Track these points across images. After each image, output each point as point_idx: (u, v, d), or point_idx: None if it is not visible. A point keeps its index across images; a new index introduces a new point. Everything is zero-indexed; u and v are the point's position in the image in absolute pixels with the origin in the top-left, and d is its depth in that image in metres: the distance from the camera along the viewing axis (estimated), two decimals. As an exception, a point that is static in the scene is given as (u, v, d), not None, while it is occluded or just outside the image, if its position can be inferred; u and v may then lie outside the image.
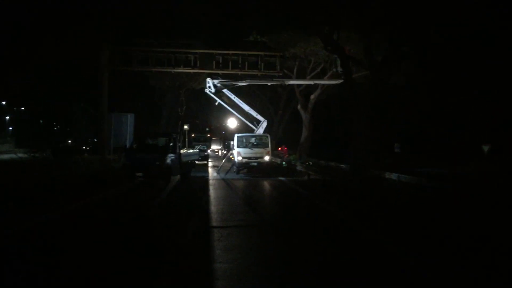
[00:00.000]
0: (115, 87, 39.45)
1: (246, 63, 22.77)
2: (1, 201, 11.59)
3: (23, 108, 45.05)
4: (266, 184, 19.04)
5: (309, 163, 23.64)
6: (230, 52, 22.94)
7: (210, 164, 33.14)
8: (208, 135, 54.23)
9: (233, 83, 24.91)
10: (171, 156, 18.38)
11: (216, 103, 25.31)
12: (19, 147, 26.50)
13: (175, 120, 40.38)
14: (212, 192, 15.60)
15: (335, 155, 33.32)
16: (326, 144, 34.69)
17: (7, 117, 66.57)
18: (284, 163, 20.99)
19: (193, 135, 48.95)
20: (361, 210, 11.77)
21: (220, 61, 22.79)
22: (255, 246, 7.75)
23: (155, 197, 13.89)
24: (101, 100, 22.46)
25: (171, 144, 18.88)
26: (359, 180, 16.99)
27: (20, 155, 25.06)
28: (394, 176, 20.00)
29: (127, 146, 19.46)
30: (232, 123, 50.46)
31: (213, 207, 11.88)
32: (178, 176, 19.46)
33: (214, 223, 9.61)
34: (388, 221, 10.05)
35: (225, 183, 19.03)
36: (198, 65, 22.68)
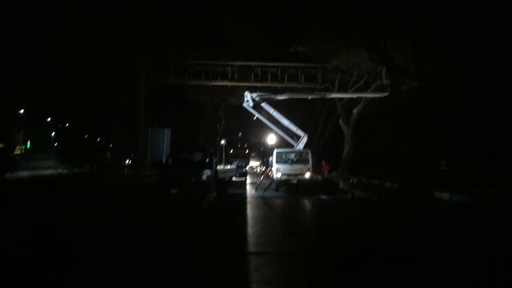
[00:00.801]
0: (153, 102, 39.59)
1: (286, 75, 21.76)
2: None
3: (67, 125, 45.82)
4: (307, 203, 17.81)
5: (352, 181, 22.19)
6: (269, 64, 22.00)
7: (248, 181, 32.23)
8: (247, 151, 53.52)
9: (272, 96, 23.96)
10: (207, 172, 17.57)
11: (254, 118, 24.40)
12: (63, 163, 26.68)
13: (213, 136, 39.83)
14: (249, 211, 14.54)
15: (376, 172, 31.77)
16: (367, 161, 33.00)
17: (53, 134, 68.31)
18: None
19: (231, 151, 48.41)
20: (418, 235, 10.36)
21: (259, 74, 21.91)
22: (297, 279, 6.60)
23: (187, 216, 12.98)
24: (138, 114, 22.01)
25: (207, 159, 18.07)
26: (409, 200, 15.48)
27: (59, 170, 25.11)
28: (445, 195, 18.48)
29: (163, 162, 18.81)
30: (271, 139, 49.71)
31: (250, 229, 10.80)
32: (214, 193, 18.58)
33: (250, 248, 8.52)
34: (457, 251, 8.62)
35: (263, 201, 17.95)
36: (235, 77, 21.89)
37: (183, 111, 44.83)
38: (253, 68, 22.00)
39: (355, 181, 22.00)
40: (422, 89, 17.31)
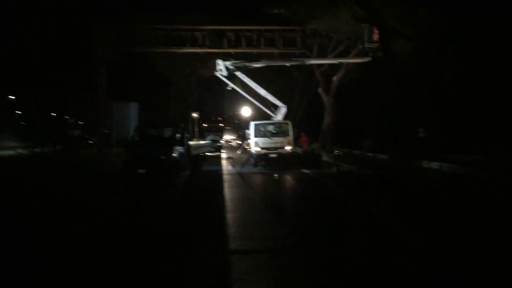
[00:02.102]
0: (120, 76, 37.04)
1: (262, 40, 19.76)
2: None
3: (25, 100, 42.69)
4: (290, 179, 16.28)
5: (338, 153, 20.75)
6: (243, 27, 19.87)
7: (223, 156, 30.54)
8: (221, 124, 51.62)
9: (247, 64, 22.03)
10: (178, 148, 15.84)
11: (228, 88, 22.49)
12: (23, 142, 24.42)
13: (184, 110, 37.69)
14: (227, 191, 12.88)
15: (359, 144, 30.44)
16: (350, 133, 31.63)
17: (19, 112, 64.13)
18: (275, 175, 17.58)
19: (204, 125, 46.42)
20: (425, 215, 8.97)
21: (232, 39, 19.83)
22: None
23: (152, 202, 11.22)
24: (98, 87, 19.77)
25: (178, 135, 16.23)
26: (406, 172, 14.10)
27: (20, 151, 22.88)
28: (435, 165, 17.39)
29: (128, 139, 16.91)
30: (246, 111, 47.88)
31: (230, 216, 9.15)
32: (188, 172, 16.87)
33: (233, 245, 6.86)
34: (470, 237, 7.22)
35: (242, 178, 16.34)
36: (206, 44, 19.75)
37: (153, 85, 42.50)
38: (226, 33, 19.88)
39: (341, 153, 20.56)
40: (414, 53, 15.64)
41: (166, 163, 15.26)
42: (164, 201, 10.82)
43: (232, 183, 14.86)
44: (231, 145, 47.99)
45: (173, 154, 15.57)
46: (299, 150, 24.17)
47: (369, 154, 23.61)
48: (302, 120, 37.62)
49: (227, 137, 53.18)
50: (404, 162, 15.35)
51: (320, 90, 28.54)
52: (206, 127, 45.09)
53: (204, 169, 19.45)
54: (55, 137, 26.80)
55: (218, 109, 63.56)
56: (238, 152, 24.70)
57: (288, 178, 16.48)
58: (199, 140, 21.69)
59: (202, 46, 19.84)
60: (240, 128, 46.73)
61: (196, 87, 43.47)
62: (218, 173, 18.42)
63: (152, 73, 36.13)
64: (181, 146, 16.07)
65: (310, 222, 8.66)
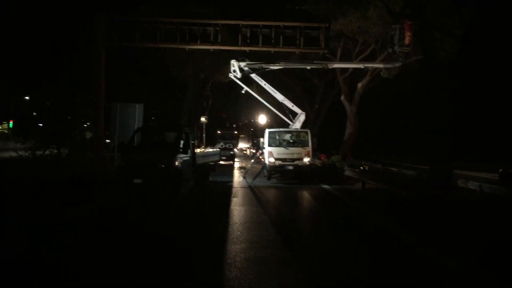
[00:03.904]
0: (125, 76, 35.43)
1: (281, 37, 17.56)
2: None
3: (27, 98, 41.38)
4: (308, 197, 14.07)
5: (364, 167, 18.43)
6: (261, 23, 17.72)
7: (236, 165, 28.49)
8: (235, 132, 49.60)
9: (264, 66, 19.97)
10: (181, 156, 13.74)
11: (243, 91, 20.42)
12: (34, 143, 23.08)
13: (198, 115, 35.79)
14: (233, 211, 10.73)
15: (382, 157, 28.08)
16: (374, 143, 29.34)
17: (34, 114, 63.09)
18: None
19: (218, 132, 44.43)
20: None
21: (248, 35, 17.69)
22: None
23: (139, 226, 9.14)
24: (97, 86, 17.82)
25: (181, 141, 14.16)
26: (445, 195, 11.78)
27: (21, 153, 21.29)
28: (472, 185, 15.06)
29: (125, 143, 14.92)
30: (262, 119, 45.81)
31: (231, 249, 6.99)
32: (192, 183, 14.83)
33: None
34: None
35: (253, 194, 14.18)
36: (219, 40, 17.69)
37: (167, 88, 40.91)
38: (241, 29, 17.74)
39: (367, 168, 18.23)
40: (459, 56, 13.25)
41: (166, 173, 13.18)
42: (147, 230, 8.62)
43: (241, 200, 12.72)
44: (245, 153, 45.98)
45: (174, 163, 13.49)
46: (317, 162, 21.94)
47: (393, 169, 21.32)
48: (321, 130, 35.36)
49: (242, 145, 51.19)
50: (442, 182, 13.01)
51: (342, 98, 26.38)
52: (220, 134, 43.00)
53: (212, 180, 17.39)
54: (61, 139, 25.13)
55: (233, 116, 61.77)
56: (251, 162, 22.53)
57: (306, 196, 14.25)
58: (206, 148, 19.55)
59: (214, 43, 17.78)
60: (255, 136, 44.65)
61: (209, 92, 41.72)
62: (227, 186, 16.35)
63: (165, 75, 34.41)
64: (184, 153, 14.00)
65: (334, 264, 6.43)
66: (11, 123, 49.30)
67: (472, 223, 9.36)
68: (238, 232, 8.18)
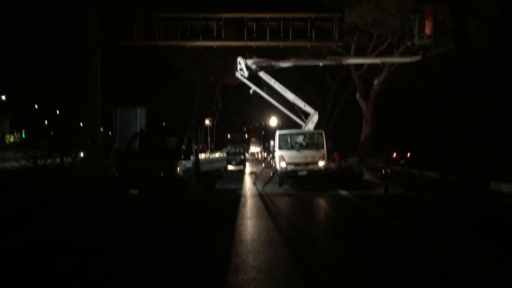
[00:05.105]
0: (140, 83, 34.46)
1: (290, 30, 16.10)
2: None
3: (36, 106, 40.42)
4: (325, 205, 12.58)
5: (386, 171, 16.85)
6: (268, 15, 16.25)
7: (247, 170, 27.08)
8: (246, 135, 48.30)
9: (273, 63, 18.51)
10: (183, 163, 12.39)
11: (251, 91, 18.98)
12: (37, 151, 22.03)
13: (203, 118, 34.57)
14: (240, 226, 9.28)
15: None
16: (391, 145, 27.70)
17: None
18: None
19: (229, 136, 43.15)
20: None
21: (254, 30, 16.27)
22: None
23: (136, 236, 7.76)
24: (93, 88, 16.55)
25: (183, 146, 12.80)
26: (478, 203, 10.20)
27: (23, 162, 20.21)
28: (506, 187, 13.54)
29: (122, 149, 13.65)
30: (273, 121, 44.39)
31: (235, 280, 5.57)
32: (195, 192, 13.43)
33: None
34: None
35: (263, 203, 12.74)
36: (222, 36, 16.26)
37: (175, 91, 39.87)
38: (246, 22, 16.30)
39: (389, 172, 16.64)
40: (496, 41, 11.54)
41: (166, 182, 11.85)
42: (131, 251, 7.27)
43: (249, 211, 11.28)
44: (256, 158, 44.64)
45: (176, 170, 12.14)
46: (333, 165, 20.42)
47: (414, 170, 19.73)
48: (335, 131, 33.79)
49: (253, 149, 49.93)
50: (478, 187, 11.41)
51: (358, 96, 24.81)
52: (230, 138, 41.71)
53: (220, 188, 15.99)
54: (66, 146, 24.02)
55: (244, 119, 60.44)
56: (262, 166, 21.09)
57: (322, 204, 12.75)
58: (212, 153, 18.15)
59: (217, 38, 16.39)
60: (266, 139, 43.22)
61: (220, 96, 40.56)
62: (235, 194, 14.91)
63: (174, 78, 33.31)
64: (186, 159, 12.64)
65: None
66: (23, 132, 48.78)
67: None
68: (244, 255, 6.73)
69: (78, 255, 6.89)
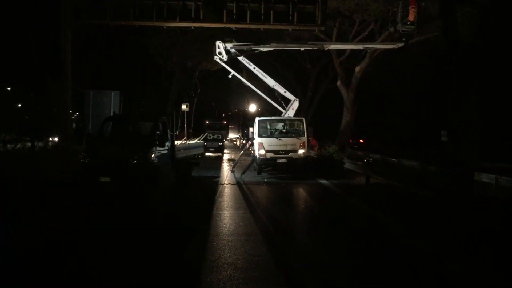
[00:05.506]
0: (117, 67, 33.30)
1: (272, 13, 15.54)
2: None
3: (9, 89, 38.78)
4: (304, 195, 12.21)
5: (368, 160, 16.57)
6: (248, -4, 15.69)
7: (225, 157, 26.56)
8: (225, 122, 47.63)
9: (253, 47, 17.89)
10: (158, 149, 11.78)
11: (230, 76, 18.35)
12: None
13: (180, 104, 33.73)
14: (216, 217, 8.80)
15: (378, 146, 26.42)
16: (372, 132, 27.59)
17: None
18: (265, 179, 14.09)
19: (206, 122, 42.36)
20: None
21: (234, 11, 15.63)
22: None
23: (104, 229, 7.20)
24: (62, 70, 15.67)
25: (158, 132, 12.17)
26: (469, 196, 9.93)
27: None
28: (486, 177, 13.54)
29: (94, 133, 12.93)
30: (253, 107, 43.79)
31: (209, 278, 5.10)
32: (171, 181, 12.83)
33: None
34: None
35: (241, 192, 12.29)
36: (201, 17, 15.56)
37: (153, 77, 38.88)
38: (226, 3, 15.67)
39: (370, 161, 16.36)
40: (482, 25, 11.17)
41: (140, 169, 11.22)
42: (96, 245, 6.72)
43: (226, 201, 10.81)
44: (235, 144, 44.10)
45: (149, 157, 11.53)
46: (312, 153, 20.08)
47: (392, 159, 19.60)
48: (315, 119, 33.48)
49: (232, 135, 49.34)
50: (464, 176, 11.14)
51: (339, 83, 24.47)
52: (208, 124, 40.93)
53: (197, 175, 15.44)
54: (38, 131, 23.12)
55: (223, 105, 59.60)
56: (241, 154, 20.61)
57: (302, 194, 12.38)
58: (189, 139, 17.54)
59: (195, 20, 15.68)
60: (245, 126, 42.68)
61: (198, 81, 39.71)
62: (212, 182, 14.42)
63: (152, 63, 32.25)
64: (161, 146, 12.03)
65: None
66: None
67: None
68: (219, 251, 6.26)
69: (36, 250, 6.30)
